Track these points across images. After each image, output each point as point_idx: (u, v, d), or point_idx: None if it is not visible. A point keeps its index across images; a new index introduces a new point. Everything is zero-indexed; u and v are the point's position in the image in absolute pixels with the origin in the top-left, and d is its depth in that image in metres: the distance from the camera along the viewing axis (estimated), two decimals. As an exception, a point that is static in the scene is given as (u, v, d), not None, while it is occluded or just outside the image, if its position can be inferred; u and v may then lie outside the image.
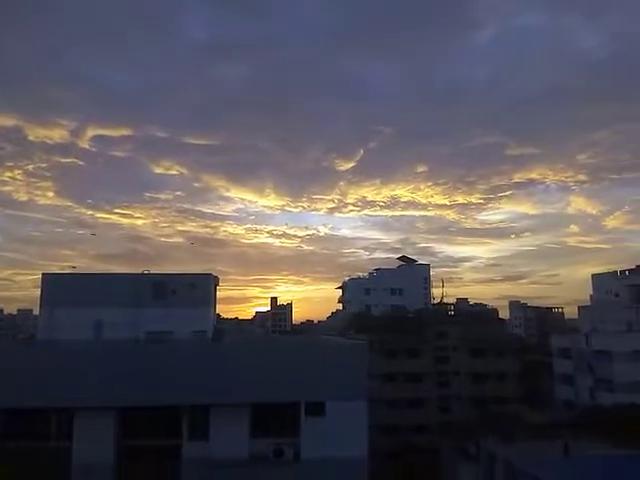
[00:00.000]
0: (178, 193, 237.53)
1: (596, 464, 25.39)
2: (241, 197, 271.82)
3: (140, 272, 33.40)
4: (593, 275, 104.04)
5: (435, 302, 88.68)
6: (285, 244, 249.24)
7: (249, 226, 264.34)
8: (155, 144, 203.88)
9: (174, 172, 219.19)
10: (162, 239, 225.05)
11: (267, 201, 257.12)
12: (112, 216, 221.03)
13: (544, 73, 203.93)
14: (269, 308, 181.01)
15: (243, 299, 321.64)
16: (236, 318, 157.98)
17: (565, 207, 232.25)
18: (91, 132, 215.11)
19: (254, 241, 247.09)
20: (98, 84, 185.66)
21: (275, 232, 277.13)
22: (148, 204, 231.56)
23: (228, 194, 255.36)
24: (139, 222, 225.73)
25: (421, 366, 53.47)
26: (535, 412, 41.39)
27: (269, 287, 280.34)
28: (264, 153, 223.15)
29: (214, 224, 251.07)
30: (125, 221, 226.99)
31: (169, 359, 18.34)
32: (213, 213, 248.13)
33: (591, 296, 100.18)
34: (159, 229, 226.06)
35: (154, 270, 35.15)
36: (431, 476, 37.17)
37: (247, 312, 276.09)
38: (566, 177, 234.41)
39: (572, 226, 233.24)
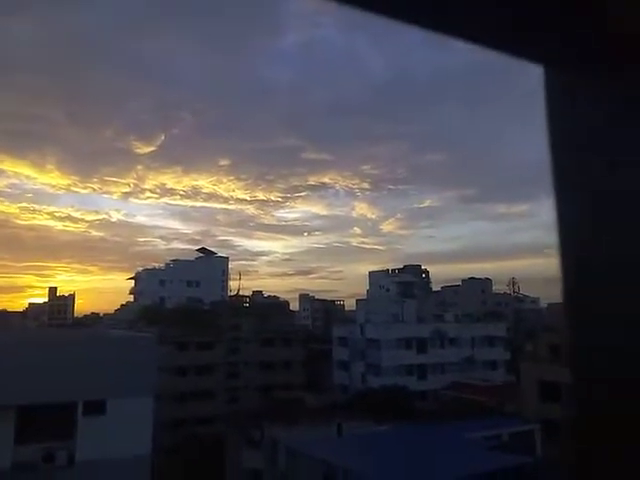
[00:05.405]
0: None
1: (362, 439, 29.00)
2: (16, 171, 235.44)
3: None
4: (370, 272, 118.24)
5: (232, 294, 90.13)
6: (69, 228, 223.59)
7: (25, 205, 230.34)
8: None
9: None
10: None
11: (49, 179, 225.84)
12: None
13: (338, 86, 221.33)
14: (46, 299, 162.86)
15: (13, 288, 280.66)
16: (4, 310, 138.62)
17: (350, 211, 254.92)
18: None
19: (30, 222, 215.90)
20: None
21: (57, 214, 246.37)
22: None
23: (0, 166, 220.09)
24: None
25: (213, 358, 53.86)
26: (316, 397, 45.04)
27: (47, 276, 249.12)
28: (49, 125, 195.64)
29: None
30: None
31: None
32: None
33: (367, 291, 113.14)
34: None
35: None
36: (215, 467, 37.73)
37: (19, 303, 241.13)
38: (353, 184, 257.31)
39: (355, 228, 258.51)
